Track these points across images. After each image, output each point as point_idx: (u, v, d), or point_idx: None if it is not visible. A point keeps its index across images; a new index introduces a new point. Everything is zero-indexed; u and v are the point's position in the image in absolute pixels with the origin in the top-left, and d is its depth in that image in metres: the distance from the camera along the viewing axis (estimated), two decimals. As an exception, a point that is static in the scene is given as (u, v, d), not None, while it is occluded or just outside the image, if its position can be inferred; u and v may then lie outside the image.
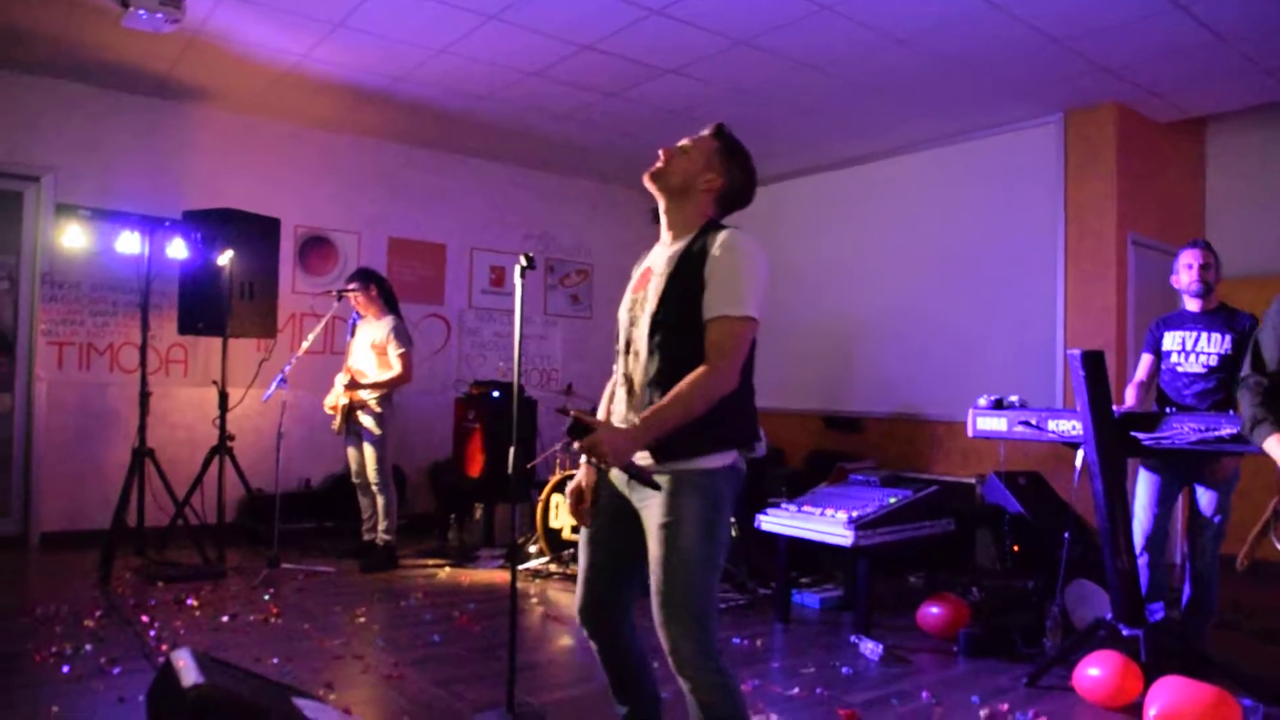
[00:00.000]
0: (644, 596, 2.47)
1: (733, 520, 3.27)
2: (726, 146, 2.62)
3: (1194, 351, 4.30)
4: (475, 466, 7.04)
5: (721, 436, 2.44)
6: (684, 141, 2.64)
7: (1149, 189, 6.67)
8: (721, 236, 2.46)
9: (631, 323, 2.58)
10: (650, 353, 2.47)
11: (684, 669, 2.37)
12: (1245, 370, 3.34)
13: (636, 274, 2.69)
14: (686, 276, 2.45)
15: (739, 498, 2.54)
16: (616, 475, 2.56)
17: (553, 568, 6.06)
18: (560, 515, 6.06)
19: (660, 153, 2.61)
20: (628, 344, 2.59)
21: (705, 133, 2.65)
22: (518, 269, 3.22)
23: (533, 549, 6.30)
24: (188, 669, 2.49)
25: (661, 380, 2.43)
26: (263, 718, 2.43)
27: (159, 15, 4.73)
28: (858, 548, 4.67)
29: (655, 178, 2.60)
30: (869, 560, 4.74)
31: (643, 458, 2.41)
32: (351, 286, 6.15)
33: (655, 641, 2.42)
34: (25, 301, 6.49)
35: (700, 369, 2.35)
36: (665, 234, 2.65)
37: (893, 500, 4.95)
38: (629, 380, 2.55)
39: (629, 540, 2.54)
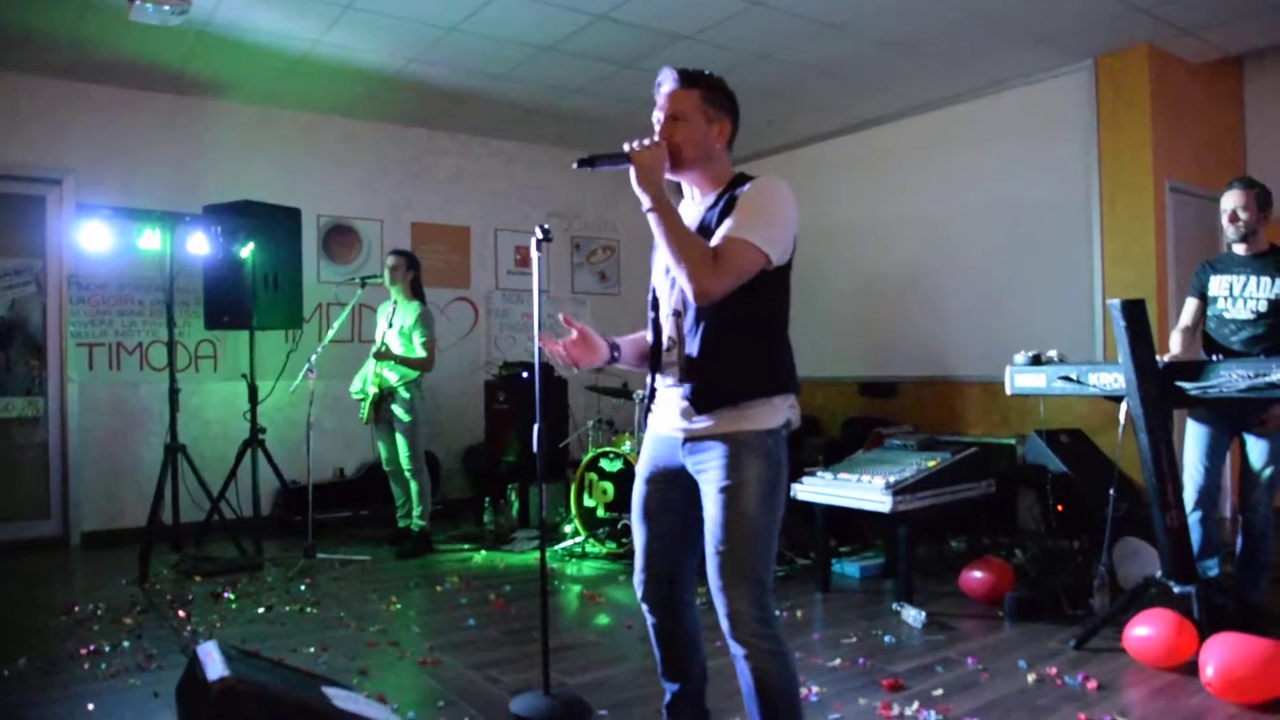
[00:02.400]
0: (699, 569, 2.43)
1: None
2: (709, 91, 2.52)
3: (1242, 296, 4.14)
4: (508, 449, 7.03)
5: (771, 384, 2.41)
6: (662, 113, 2.50)
7: (1185, 133, 6.46)
8: (753, 181, 2.41)
9: (671, 285, 2.51)
10: (694, 311, 2.41)
11: (741, 634, 2.34)
12: None
13: None
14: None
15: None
16: (669, 441, 2.51)
17: (588, 546, 6.01)
18: (594, 494, 6.01)
19: (655, 139, 2.44)
20: (659, 306, 2.57)
21: (672, 87, 2.51)
22: (533, 241, 3.15)
23: (567, 528, 6.26)
24: (214, 662, 2.46)
25: (705, 336, 2.39)
26: (290, 709, 2.39)
27: (165, 7, 4.70)
28: (896, 513, 4.58)
29: (676, 166, 2.48)
30: (909, 526, 4.65)
31: (701, 420, 2.40)
32: (390, 261, 6.14)
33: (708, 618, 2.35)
34: (54, 305, 6.52)
35: (708, 253, 2.29)
36: (692, 192, 2.59)
37: (931, 463, 4.85)
38: (671, 341, 2.50)
39: (686, 508, 2.50)
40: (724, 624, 2.36)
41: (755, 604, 2.33)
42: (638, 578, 2.62)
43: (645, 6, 5.42)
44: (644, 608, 2.64)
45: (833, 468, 5.15)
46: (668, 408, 2.52)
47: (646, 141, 2.41)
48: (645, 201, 2.34)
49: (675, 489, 2.53)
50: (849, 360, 7.95)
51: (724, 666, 3.04)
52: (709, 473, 2.40)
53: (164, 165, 6.82)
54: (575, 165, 2.46)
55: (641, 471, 2.62)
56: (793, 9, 5.48)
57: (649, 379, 2.61)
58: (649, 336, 2.65)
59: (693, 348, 2.42)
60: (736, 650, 2.36)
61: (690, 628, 2.65)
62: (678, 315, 2.49)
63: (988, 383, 6.89)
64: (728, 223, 2.34)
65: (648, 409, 2.63)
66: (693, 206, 2.56)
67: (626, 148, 2.39)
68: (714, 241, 2.33)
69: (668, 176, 2.46)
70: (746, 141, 8.08)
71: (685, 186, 2.61)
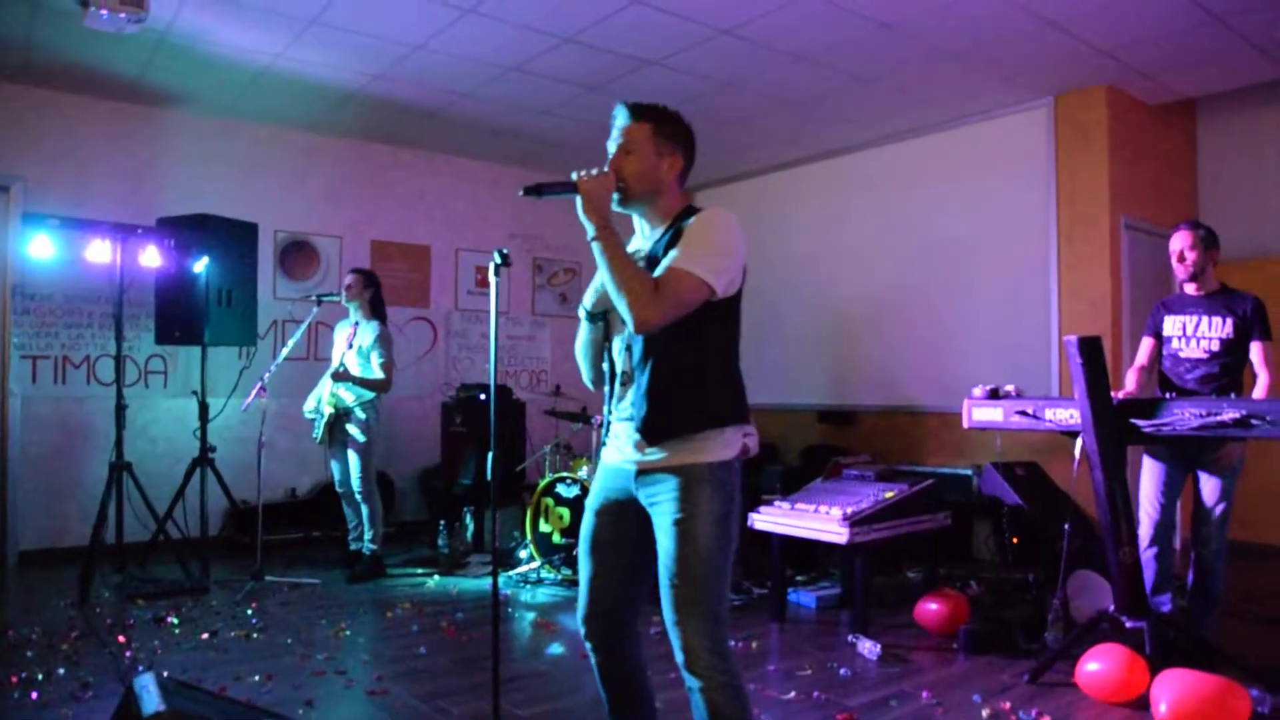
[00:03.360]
0: (650, 601, 2.41)
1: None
2: (661, 125, 2.51)
3: (1195, 336, 4.19)
4: (464, 472, 6.94)
5: (722, 416, 2.41)
6: (614, 145, 2.51)
7: (1141, 172, 6.57)
8: (701, 212, 2.43)
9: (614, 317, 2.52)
10: (642, 343, 2.41)
11: (695, 667, 2.31)
12: None
13: None
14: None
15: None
16: (622, 473, 2.48)
17: (543, 572, 5.94)
18: (550, 519, 5.94)
19: (606, 170, 2.44)
20: (610, 337, 2.56)
21: (625, 121, 2.51)
22: (491, 266, 3.09)
23: (522, 554, 6.18)
24: (149, 696, 2.37)
25: (655, 368, 2.38)
26: (228, 745, 2.31)
27: (121, 15, 4.61)
28: (853, 544, 4.57)
29: (625, 200, 2.48)
30: (865, 557, 4.63)
31: (654, 453, 2.39)
32: (348, 280, 6.06)
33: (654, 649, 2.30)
34: (-3, 315, 6.35)
35: (649, 283, 2.29)
36: (642, 225, 2.59)
37: (888, 495, 4.84)
38: (624, 373, 2.49)
39: (636, 541, 2.48)
40: (678, 656, 2.34)
41: (709, 636, 2.31)
42: (581, 614, 2.56)
43: (613, 31, 5.42)
44: (587, 646, 2.57)
45: (790, 497, 5.13)
46: (620, 439, 2.49)
47: (595, 171, 2.41)
48: (590, 230, 2.35)
49: (626, 520, 2.49)
50: (808, 388, 7.97)
51: (675, 699, 2.99)
52: (662, 505, 2.37)
53: (117, 175, 6.69)
54: (522, 193, 2.48)
55: (592, 503, 2.58)
56: (759, 39, 5.51)
57: (605, 409, 2.58)
58: (604, 367, 2.62)
59: (643, 379, 2.40)
60: (691, 683, 2.33)
61: (635, 667, 2.59)
62: (629, 349, 2.47)
63: (945, 413, 6.93)
64: (672, 254, 2.35)
65: (602, 441, 2.61)
66: (641, 240, 2.57)
67: (575, 176, 2.39)
68: (657, 272, 2.33)
69: (617, 209, 2.46)
70: (710, 168, 8.11)
71: (635, 220, 2.60)
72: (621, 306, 2.29)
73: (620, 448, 2.49)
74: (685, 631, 2.32)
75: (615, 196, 2.46)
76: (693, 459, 2.36)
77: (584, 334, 2.62)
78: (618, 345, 2.53)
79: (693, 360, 2.40)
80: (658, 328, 2.29)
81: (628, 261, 2.33)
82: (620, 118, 2.53)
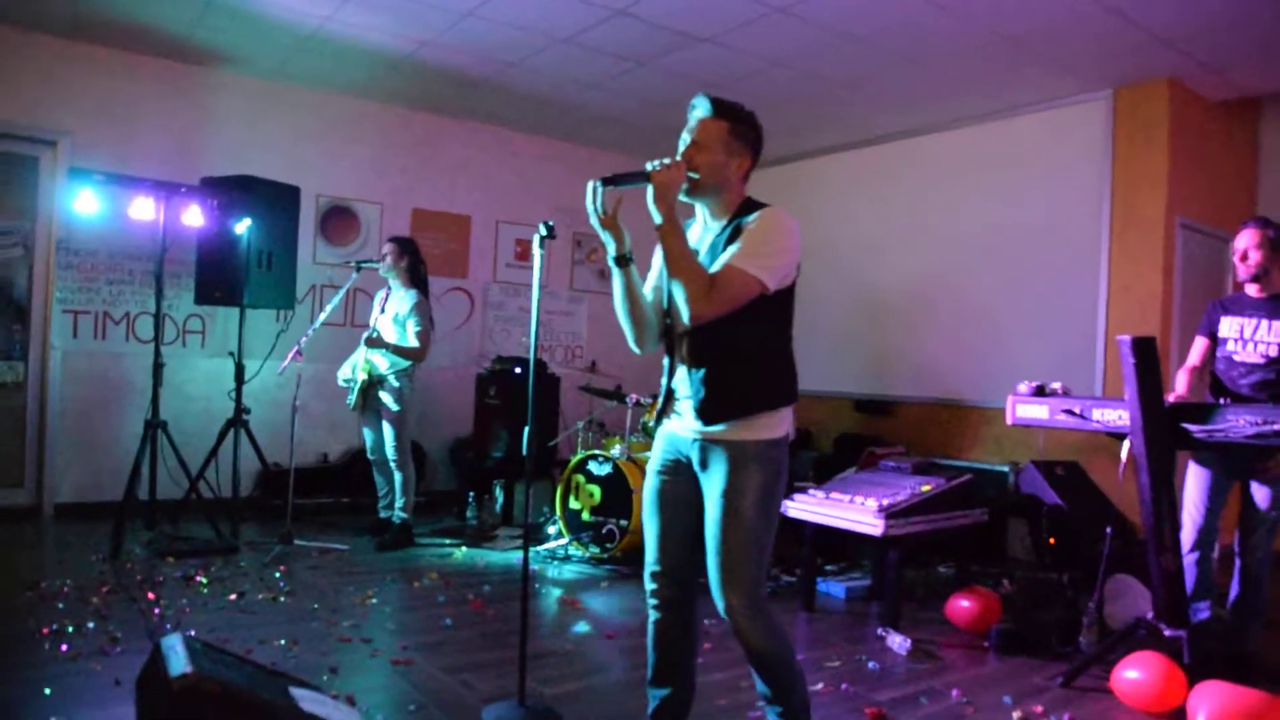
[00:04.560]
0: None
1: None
2: (737, 124, 2.62)
3: (1253, 340, 4.06)
4: (496, 444, 6.93)
5: (772, 399, 2.58)
6: (689, 135, 2.62)
7: (1200, 170, 6.39)
8: (760, 211, 2.57)
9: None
10: (696, 331, 2.56)
11: (737, 621, 2.55)
12: None
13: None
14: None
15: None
16: (682, 439, 2.65)
17: (571, 549, 5.91)
18: (580, 496, 5.91)
19: (678, 161, 2.55)
20: (670, 321, 2.69)
21: (703, 114, 2.62)
22: (536, 238, 3.06)
23: (551, 530, 6.16)
24: (177, 656, 2.36)
25: (714, 354, 2.56)
26: (252, 711, 2.29)
27: (173, -28, 4.57)
28: (888, 537, 4.50)
29: (692, 191, 2.62)
30: (899, 550, 4.56)
31: (712, 429, 2.56)
32: (385, 249, 6.05)
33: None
34: (40, 269, 6.39)
35: (706, 279, 2.47)
36: (703, 214, 2.73)
37: (925, 488, 4.76)
38: (681, 357, 2.65)
39: (692, 502, 2.66)
40: (723, 614, 2.56)
41: (747, 597, 2.53)
42: (648, 570, 2.72)
43: (667, 5, 5.33)
44: (650, 604, 2.73)
45: (825, 486, 5.06)
46: (684, 411, 2.64)
47: (667, 161, 2.52)
48: (656, 218, 2.49)
49: (685, 483, 2.66)
50: (845, 376, 7.87)
51: (703, 686, 2.95)
52: (714, 476, 2.56)
53: (163, 134, 6.69)
54: (600, 184, 2.56)
55: (652, 465, 2.75)
56: (815, 19, 5.40)
57: (665, 380, 2.72)
58: (664, 343, 2.77)
59: (702, 363, 2.57)
60: (735, 633, 2.59)
61: (691, 630, 2.75)
62: (688, 333, 2.60)
63: (984, 408, 6.82)
64: (730, 249, 2.52)
65: (662, 411, 2.73)
66: (703, 230, 2.72)
67: (649, 167, 2.51)
68: (715, 267, 2.51)
69: (683, 199, 2.59)
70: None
71: (699, 209, 2.73)
72: (679, 298, 2.47)
73: (683, 420, 2.64)
74: (726, 594, 2.54)
75: (684, 187, 2.57)
76: (744, 435, 2.54)
77: (618, 283, 2.66)
78: (678, 325, 2.63)
79: (746, 347, 2.56)
80: (710, 320, 2.47)
81: (689, 255, 2.50)
82: (700, 108, 2.62)
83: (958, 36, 5.57)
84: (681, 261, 2.47)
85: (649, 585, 2.72)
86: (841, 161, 8.26)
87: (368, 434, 6.13)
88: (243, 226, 5.71)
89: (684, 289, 2.44)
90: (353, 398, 5.98)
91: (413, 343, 5.87)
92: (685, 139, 2.62)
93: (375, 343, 5.84)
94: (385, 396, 5.91)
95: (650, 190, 2.49)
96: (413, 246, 6.17)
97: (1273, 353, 4.01)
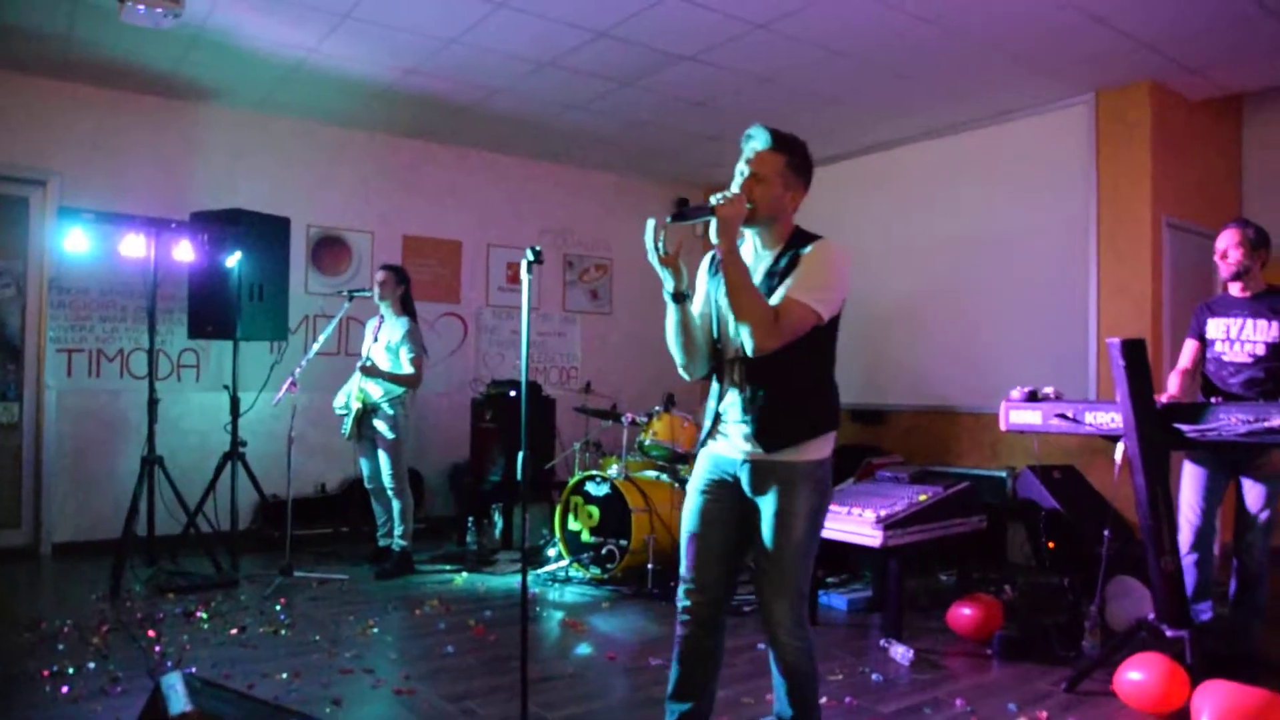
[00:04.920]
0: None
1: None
2: (793, 157, 2.69)
3: (1239, 339, 4.09)
4: (493, 468, 6.92)
5: (825, 423, 2.71)
6: (748, 167, 2.67)
7: (1184, 170, 6.43)
8: (815, 243, 2.68)
9: (725, 325, 2.71)
10: (752, 359, 2.61)
11: (780, 635, 2.67)
12: None
13: (715, 274, 2.74)
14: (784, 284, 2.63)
15: None
16: (729, 461, 2.72)
17: (572, 571, 5.91)
18: (579, 517, 5.91)
19: (737, 191, 2.61)
20: (724, 340, 2.74)
21: (762, 148, 2.67)
22: (524, 263, 3.07)
23: (551, 552, 6.16)
24: (176, 695, 2.36)
25: (769, 382, 2.64)
26: (254, 747, 2.29)
27: (158, 10, 4.62)
28: (887, 547, 4.50)
29: (749, 221, 2.67)
30: (899, 560, 4.56)
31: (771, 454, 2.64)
32: (379, 277, 6.06)
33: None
34: (33, 308, 6.41)
35: (770, 313, 2.54)
36: (755, 242, 2.78)
37: (923, 498, 4.77)
38: (734, 382, 2.71)
39: (738, 523, 2.73)
40: (769, 628, 2.69)
41: (794, 611, 2.65)
42: (684, 587, 2.76)
43: (647, 25, 5.36)
44: (682, 619, 2.77)
45: (823, 499, 5.06)
46: (732, 436, 2.71)
47: (730, 194, 2.56)
48: (720, 251, 2.53)
49: (730, 502, 2.73)
50: (842, 388, 7.80)
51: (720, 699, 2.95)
52: (767, 496, 2.64)
53: (151, 170, 6.72)
54: (669, 220, 2.59)
55: (696, 484, 2.80)
56: (797, 34, 5.44)
57: (714, 404, 2.78)
58: (713, 367, 2.81)
59: (758, 393, 2.65)
60: (774, 645, 2.70)
61: (718, 646, 2.81)
62: (741, 360, 2.67)
63: (979, 414, 6.83)
64: (789, 281, 2.61)
65: (710, 433, 2.79)
66: (753, 256, 2.76)
67: (713, 200, 2.54)
68: (775, 299, 2.59)
69: (741, 227, 2.65)
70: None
71: (748, 235, 2.77)
72: (744, 330, 2.54)
73: (732, 440, 2.71)
74: (774, 607, 2.66)
75: (746, 221, 2.65)
76: (796, 457, 2.64)
77: (673, 317, 2.69)
78: (728, 348, 2.73)
79: (801, 374, 2.67)
80: (771, 349, 2.54)
81: (752, 288, 2.56)
82: (759, 140, 2.68)
83: (940, 47, 5.62)
84: (745, 294, 2.52)
85: (683, 601, 2.76)
86: (830, 174, 8.28)
87: (364, 463, 6.13)
88: (233, 260, 5.73)
89: (749, 323, 2.51)
90: (347, 426, 5.98)
91: (407, 370, 5.88)
92: (743, 170, 2.68)
93: (371, 371, 5.85)
94: (380, 424, 5.92)
95: (714, 223, 2.52)
96: (406, 275, 6.19)
97: (1260, 351, 4.04)
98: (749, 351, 2.56)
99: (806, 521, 2.63)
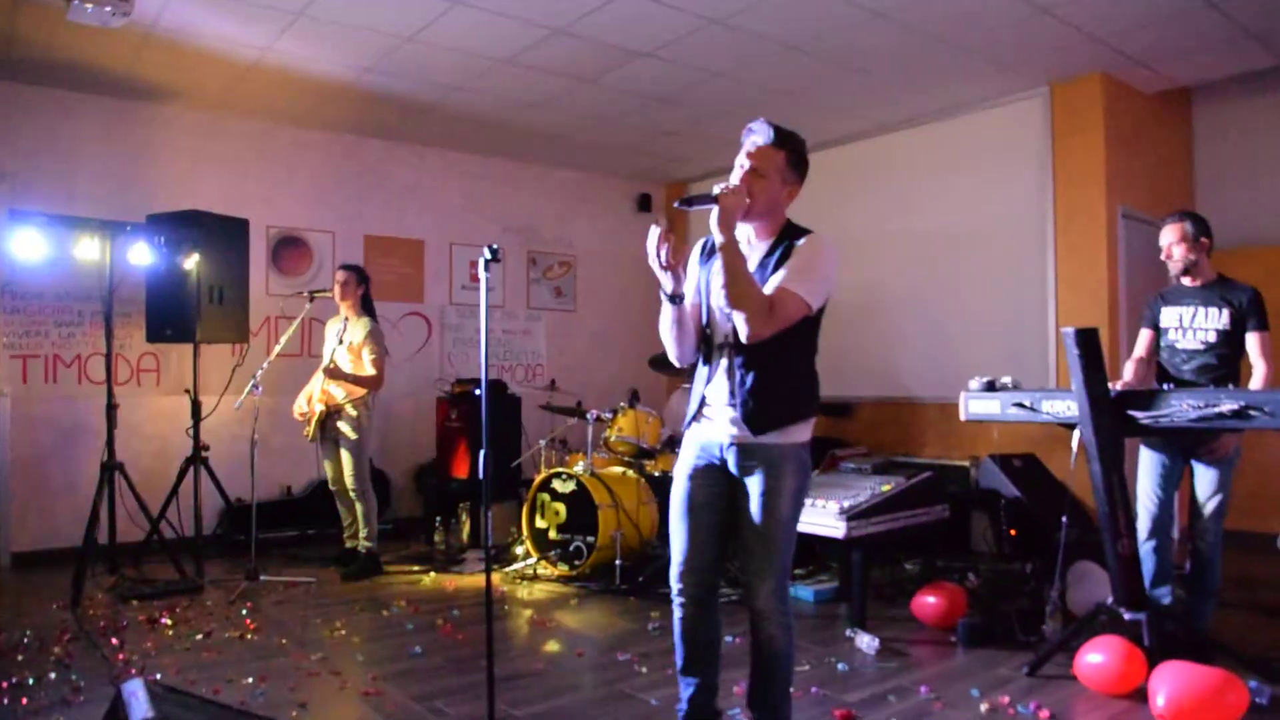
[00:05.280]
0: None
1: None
2: (791, 154, 2.80)
3: (1191, 327, 4.16)
4: (460, 468, 6.91)
5: (808, 409, 2.85)
6: (747, 161, 2.76)
7: (1137, 161, 6.53)
8: (807, 237, 2.79)
9: (725, 317, 2.77)
10: (743, 345, 2.72)
11: (763, 610, 2.78)
12: None
13: (706, 262, 2.86)
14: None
15: None
16: (715, 444, 2.83)
17: (539, 569, 5.91)
18: (546, 515, 5.91)
19: (736, 184, 2.70)
20: (713, 326, 2.85)
21: (763, 143, 2.75)
22: (481, 262, 3.08)
23: (519, 550, 6.16)
24: (137, 702, 2.34)
25: (758, 369, 2.74)
26: (217, 752, 2.28)
27: (106, 9, 4.56)
28: (850, 538, 4.54)
29: (746, 215, 2.75)
30: (863, 551, 4.61)
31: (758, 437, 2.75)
32: (340, 277, 6.01)
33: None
34: (-14, 314, 6.30)
35: (765, 301, 2.64)
36: (749, 234, 2.85)
37: (885, 488, 4.82)
38: (724, 368, 2.80)
39: (726, 504, 2.84)
40: (752, 603, 2.79)
41: (777, 587, 2.78)
42: (677, 571, 2.87)
43: (603, 22, 5.37)
44: (678, 601, 2.88)
45: (787, 491, 5.09)
46: (719, 419, 2.82)
47: (731, 184, 2.69)
48: (719, 239, 2.63)
49: (718, 485, 2.84)
50: (805, 380, 7.90)
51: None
52: (754, 476, 2.75)
53: (106, 171, 6.63)
54: (676, 205, 2.79)
55: (684, 470, 2.90)
56: (751, 29, 5.46)
57: (700, 387, 2.88)
58: (701, 352, 2.91)
59: (748, 379, 2.75)
60: (758, 625, 2.80)
61: (716, 622, 2.94)
62: (730, 346, 2.78)
63: (943, 404, 6.90)
64: (782, 272, 2.71)
65: (696, 417, 2.90)
66: (746, 247, 2.82)
67: (716, 190, 2.65)
68: (769, 288, 2.68)
69: (740, 222, 2.78)
70: (706, 160, 8.07)
71: (742, 229, 2.81)
72: (739, 317, 2.64)
73: (719, 424, 2.81)
74: (761, 586, 2.77)
75: (745, 216, 2.76)
76: (780, 440, 2.75)
77: (668, 316, 2.80)
78: (716, 334, 2.83)
79: (788, 364, 2.79)
80: (763, 337, 2.66)
81: (749, 278, 2.66)
82: (761, 135, 2.77)
83: (894, 41, 5.67)
84: (742, 283, 2.62)
85: (676, 584, 2.87)
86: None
87: (328, 465, 6.09)
88: (191, 262, 5.67)
89: (744, 311, 2.61)
90: (311, 429, 5.94)
91: (369, 370, 5.85)
92: (743, 163, 2.76)
93: (334, 374, 5.81)
94: (343, 426, 5.88)
95: (715, 212, 2.62)
96: (366, 274, 6.16)
97: (1211, 338, 4.12)
98: (743, 338, 2.66)
99: (790, 500, 2.75)
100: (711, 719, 2.96)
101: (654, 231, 2.64)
